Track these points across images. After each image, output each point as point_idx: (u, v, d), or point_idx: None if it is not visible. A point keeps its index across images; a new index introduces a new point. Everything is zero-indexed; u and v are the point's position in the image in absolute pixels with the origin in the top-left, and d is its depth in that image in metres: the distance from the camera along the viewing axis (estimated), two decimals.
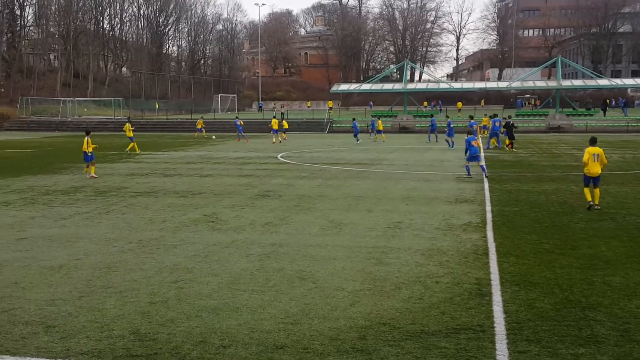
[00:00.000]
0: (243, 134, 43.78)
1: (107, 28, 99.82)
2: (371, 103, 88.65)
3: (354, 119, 46.71)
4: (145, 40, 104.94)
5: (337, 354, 6.19)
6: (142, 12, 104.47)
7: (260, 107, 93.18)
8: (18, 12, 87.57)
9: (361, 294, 8.14)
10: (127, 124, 36.02)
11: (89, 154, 21.29)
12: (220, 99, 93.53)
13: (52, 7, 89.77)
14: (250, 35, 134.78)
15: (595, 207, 14.32)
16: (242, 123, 44.34)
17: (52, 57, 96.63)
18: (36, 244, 11.13)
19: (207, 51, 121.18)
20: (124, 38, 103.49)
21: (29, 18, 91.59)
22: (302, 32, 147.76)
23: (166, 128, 63.13)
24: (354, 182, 20.38)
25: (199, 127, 49.32)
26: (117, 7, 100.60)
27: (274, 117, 44.90)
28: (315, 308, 7.57)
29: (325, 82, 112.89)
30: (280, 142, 41.38)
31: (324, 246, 10.93)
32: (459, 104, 77.56)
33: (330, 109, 78.81)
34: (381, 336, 6.66)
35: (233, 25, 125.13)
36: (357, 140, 42.33)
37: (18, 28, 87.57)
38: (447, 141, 36.27)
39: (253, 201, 16.22)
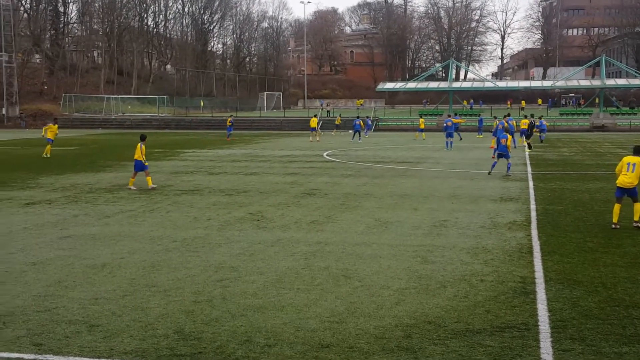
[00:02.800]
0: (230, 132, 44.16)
1: (152, 25, 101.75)
2: (426, 101, 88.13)
3: (358, 116, 47.44)
4: (189, 38, 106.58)
5: (382, 353, 6.18)
6: (186, 9, 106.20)
7: (321, 105, 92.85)
8: (62, 9, 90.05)
9: (406, 293, 8.12)
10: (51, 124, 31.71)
11: (145, 162, 18.31)
12: (265, 97, 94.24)
13: (96, 4, 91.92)
14: (296, 33, 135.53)
15: (634, 224, 12.34)
16: (229, 123, 44.58)
17: (95, 54, 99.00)
18: (79, 242, 11.37)
19: (253, 49, 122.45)
20: (168, 35, 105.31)
21: (72, 15, 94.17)
22: (348, 30, 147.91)
23: (211, 126, 63.87)
24: (400, 180, 20.29)
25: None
26: (162, 4, 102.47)
27: (314, 116, 45.76)
28: (361, 306, 7.55)
29: (371, 81, 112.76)
30: (318, 140, 41.58)
31: (369, 244, 10.91)
32: (509, 103, 76.77)
33: (360, 107, 78.57)
34: (426, 335, 6.66)
35: (278, 23, 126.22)
36: (353, 138, 42.60)
37: (62, 25, 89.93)
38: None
39: (298, 199, 16.26)
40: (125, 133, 55.73)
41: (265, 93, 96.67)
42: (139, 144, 18.27)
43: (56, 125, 31.74)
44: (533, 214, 13.96)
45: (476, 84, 72.07)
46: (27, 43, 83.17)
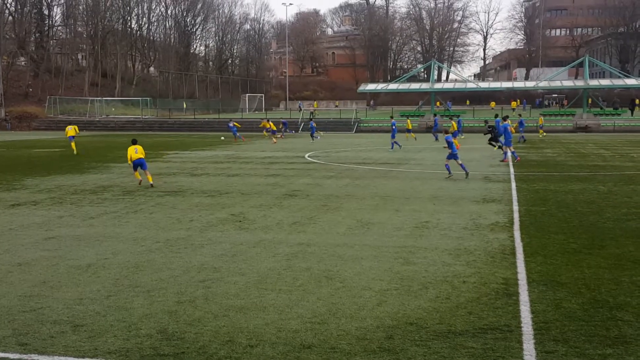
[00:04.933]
0: (238, 134, 45.51)
1: (135, 28, 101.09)
2: (422, 102, 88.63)
3: (311, 119, 48.62)
4: (172, 40, 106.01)
5: (364, 354, 6.18)
6: (169, 11, 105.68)
7: (300, 107, 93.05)
8: (46, 12, 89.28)
9: (388, 294, 8.13)
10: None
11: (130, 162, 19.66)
12: (247, 99, 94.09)
13: (80, 7, 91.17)
14: (278, 35, 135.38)
15: None
16: (236, 124, 46.80)
17: (80, 56, 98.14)
18: (64, 243, 11.30)
19: (235, 51, 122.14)
20: (151, 38, 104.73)
21: (57, 18, 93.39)
22: (330, 31, 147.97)
23: (194, 128, 63.69)
24: (382, 181, 20.34)
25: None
26: (145, 7, 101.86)
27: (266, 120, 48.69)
28: (343, 307, 7.56)
29: (353, 82, 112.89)
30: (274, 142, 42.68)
31: (351, 246, 10.92)
32: (492, 104, 77.13)
33: (313, 110, 78.67)
34: (408, 336, 6.65)
35: (260, 25, 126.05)
36: (312, 139, 43.96)
37: (46, 28, 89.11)
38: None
39: (280, 201, 16.27)
40: (109, 135, 55.34)
41: (247, 95, 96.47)
42: (136, 146, 19.64)
43: (75, 125, 36.78)
44: (516, 215, 13.90)
45: (458, 85, 72.25)
46: (12, 46, 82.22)
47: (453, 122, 40.72)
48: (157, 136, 52.00)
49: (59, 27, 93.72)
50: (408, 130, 45.11)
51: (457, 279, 8.79)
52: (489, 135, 34.44)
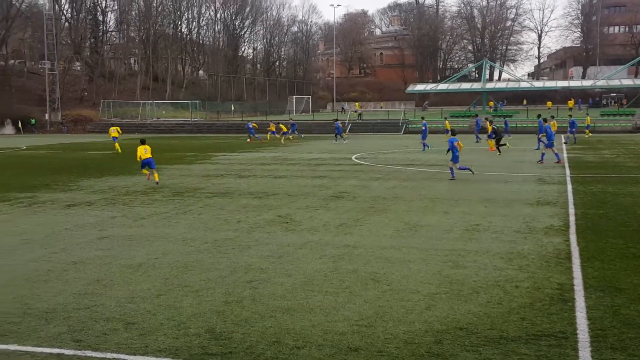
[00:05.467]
0: (256, 135, 48.27)
1: (185, 32, 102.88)
2: (475, 102, 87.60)
3: (336, 120, 48.82)
4: (221, 43, 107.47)
5: (412, 358, 6.12)
6: (219, 15, 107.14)
7: (343, 108, 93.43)
8: (101, 18, 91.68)
9: (437, 298, 8.03)
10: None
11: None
12: (294, 101, 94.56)
13: (133, 13, 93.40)
14: (325, 36, 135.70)
15: None
16: (254, 125, 49.50)
17: (132, 61, 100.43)
18: (117, 242, 11.56)
19: (282, 53, 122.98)
20: (201, 41, 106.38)
21: (110, 24, 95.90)
22: (378, 32, 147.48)
23: (242, 130, 64.29)
24: (430, 183, 20.15)
25: (252, 127, 50.41)
26: (195, 11, 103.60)
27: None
28: (390, 311, 7.51)
29: (401, 82, 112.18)
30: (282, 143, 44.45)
31: (398, 248, 10.85)
32: (549, 104, 75.45)
33: (356, 111, 78.21)
34: (458, 341, 6.54)
35: (308, 27, 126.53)
36: (336, 139, 44.98)
37: (100, 34, 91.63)
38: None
39: (327, 202, 16.28)
40: (159, 137, 56.39)
41: (294, 96, 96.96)
42: (145, 146, 21.04)
43: (118, 127, 39.97)
44: (572, 218, 13.51)
45: (511, 85, 70.94)
46: (69, 51, 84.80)
47: (488, 124, 40.39)
48: (205, 138, 52.74)
49: (113, 33, 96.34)
50: (447, 131, 44.87)
51: (509, 284, 8.61)
52: (496, 138, 33.79)
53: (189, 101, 76.88)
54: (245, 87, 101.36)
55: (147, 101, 76.59)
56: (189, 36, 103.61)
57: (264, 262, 9.91)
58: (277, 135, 48.77)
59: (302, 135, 52.18)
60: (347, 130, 59.98)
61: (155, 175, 20.71)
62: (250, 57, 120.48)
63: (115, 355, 6.24)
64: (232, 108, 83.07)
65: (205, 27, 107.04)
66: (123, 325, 7.09)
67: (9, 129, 68.78)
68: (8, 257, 10.39)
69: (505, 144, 33.74)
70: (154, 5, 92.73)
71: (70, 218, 14.23)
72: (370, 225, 13.08)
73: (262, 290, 8.38)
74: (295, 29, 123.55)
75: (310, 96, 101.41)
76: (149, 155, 20.92)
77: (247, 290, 8.39)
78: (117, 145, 36.53)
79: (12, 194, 18.33)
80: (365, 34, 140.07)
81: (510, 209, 14.94)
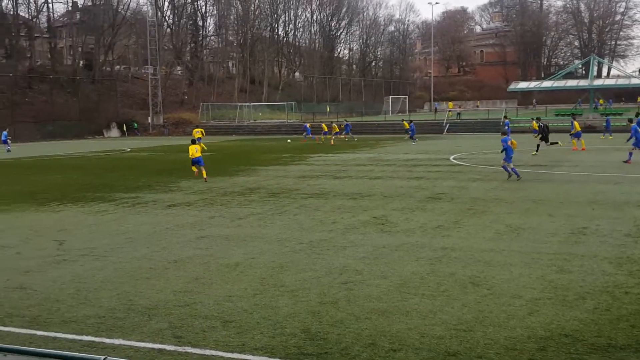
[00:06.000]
0: (311, 135, 50.80)
1: (282, 34, 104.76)
2: (580, 101, 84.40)
3: (411, 121, 48.82)
4: (317, 45, 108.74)
5: None
6: (315, 17, 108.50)
7: (436, 107, 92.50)
8: (200, 23, 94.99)
9: (540, 303, 7.75)
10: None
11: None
12: (391, 101, 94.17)
13: (231, 17, 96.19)
14: (423, 35, 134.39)
15: None
16: (310, 126, 52.54)
17: (230, 64, 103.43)
18: (215, 242, 11.91)
19: (379, 53, 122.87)
20: (297, 43, 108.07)
21: (210, 28, 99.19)
22: (478, 29, 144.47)
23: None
24: (533, 184, 19.50)
25: (325, 130, 51.84)
26: (292, 14, 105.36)
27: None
28: (490, 315, 7.32)
29: (502, 80, 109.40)
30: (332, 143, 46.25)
31: (499, 251, 10.56)
32: None
33: (450, 110, 76.39)
34: (563, 348, 6.30)
35: (405, 26, 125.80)
36: (414, 141, 45.04)
37: (200, 38, 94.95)
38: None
39: (424, 204, 16.10)
40: (256, 139, 57.67)
41: (390, 97, 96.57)
42: (196, 146, 23.09)
43: (201, 128, 43.32)
44: None
45: (621, 81, 67.61)
46: (170, 56, 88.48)
47: (576, 123, 38.85)
48: (301, 139, 53.39)
49: (212, 37, 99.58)
50: (534, 131, 43.70)
51: (618, 290, 8.20)
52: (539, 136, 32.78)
53: (285, 103, 78.18)
54: (340, 88, 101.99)
55: (244, 103, 78.59)
56: (285, 38, 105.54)
57: (359, 264, 9.92)
58: (328, 136, 50.01)
59: (356, 138, 52.42)
60: (446, 130, 59.05)
61: (204, 172, 22.56)
62: (346, 57, 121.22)
63: (213, 352, 6.43)
64: (328, 109, 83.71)
65: (301, 29, 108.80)
66: (221, 323, 7.29)
67: (114, 132, 72.51)
68: (114, 255, 10.94)
69: (557, 142, 33.03)
70: (252, 9, 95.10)
71: (171, 218, 14.80)
72: (469, 227, 12.80)
73: (358, 292, 8.38)
74: (392, 28, 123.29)
75: (406, 96, 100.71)
76: (198, 155, 23.01)
77: (343, 292, 8.42)
78: (202, 144, 38.27)
79: (117, 194, 19.30)
80: (465, 32, 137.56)
81: (620, 211, 14.22)
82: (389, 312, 7.51)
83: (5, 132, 46.85)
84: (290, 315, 7.49)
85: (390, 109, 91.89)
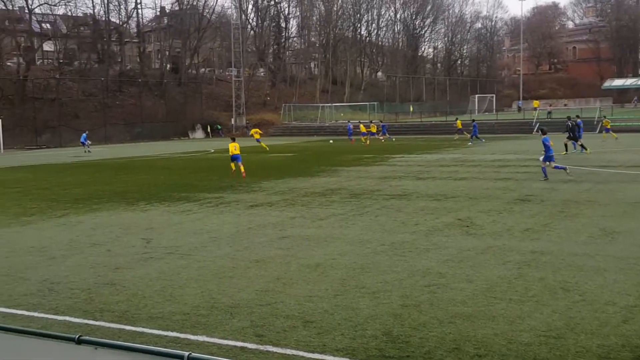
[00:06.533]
0: (351, 137, 51.48)
1: (364, 34, 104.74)
2: (637, 98, 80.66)
3: (473, 120, 48.05)
4: (400, 44, 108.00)
5: None
6: (398, 16, 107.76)
7: (519, 106, 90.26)
8: (283, 25, 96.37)
9: (636, 310, 7.40)
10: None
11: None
12: (477, 100, 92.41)
13: (314, 18, 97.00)
14: (512, 31, 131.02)
15: None
16: (371, 129, 52.23)
17: (312, 65, 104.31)
18: (296, 242, 12.03)
19: (464, 51, 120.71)
20: (380, 43, 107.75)
21: (292, 30, 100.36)
22: (570, 25, 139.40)
23: (420, 131, 64.10)
24: (630, 186, 18.63)
25: (459, 127, 51.21)
26: (375, 13, 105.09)
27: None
28: (582, 322, 7.05)
29: (596, 78, 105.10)
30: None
31: (592, 256, 10.15)
32: None
33: (535, 109, 73.70)
34: None
35: (493, 23, 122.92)
36: (473, 140, 44.25)
37: (283, 40, 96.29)
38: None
39: (511, 206, 15.69)
40: (337, 140, 57.85)
41: (476, 96, 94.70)
42: (235, 144, 25.09)
43: (256, 129, 47.43)
44: None
45: None
46: (253, 58, 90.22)
47: (606, 121, 37.30)
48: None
49: (294, 38, 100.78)
50: (606, 130, 42.36)
51: None
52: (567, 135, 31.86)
53: (367, 103, 78.13)
54: (424, 87, 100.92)
55: (325, 104, 79.07)
56: (368, 38, 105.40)
57: (442, 267, 9.78)
58: (364, 137, 50.41)
59: (394, 139, 52.15)
60: (535, 130, 57.33)
61: (242, 168, 24.53)
62: (430, 56, 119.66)
63: (294, 352, 6.49)
64: (411, 109, 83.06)
65: (384, 28, 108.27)
66: (302, 323, 7.35)
67: (199, 133, 74.58)
68: (198, 253, 11.24)
69: (586, 149, 31.50)
70: (335, 9, 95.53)
71: (253, 218, 15.07)
72: (560, 230, 12.38)
73: (441, 295, 8.26)
74: (478, 25, 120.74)
75: (494, 95, 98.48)
76: (237, 152, 24.99)
77: (425, 295, 8.32)
78: (262, 144, 43.42)
79: (201, 194, 19.83)
80: (556, 28, 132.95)
81: None
82: (474, 317, 7.35)
83: (84, 135, 49.45)
84: (372, 317, 7.47)
85: (477, 108, 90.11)
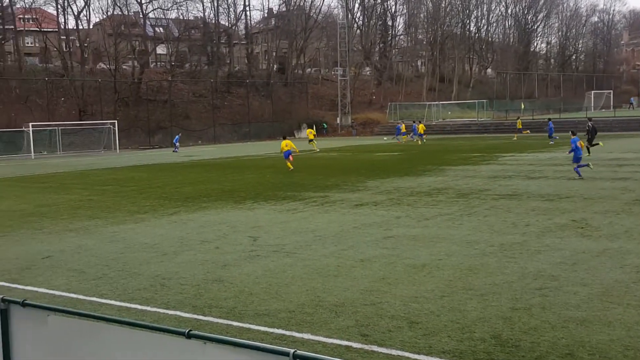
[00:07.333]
0: (398, 137, 52.06)
1: (473, 30, 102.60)
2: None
3: (549, 119, 46.40)
4: (511, 40, 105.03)
5: None
6: (509, 11, 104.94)
7: (631, 103, 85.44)
8: (390, 23, 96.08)
9: None
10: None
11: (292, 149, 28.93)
12: (593, 96, 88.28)
13: (421, 15, 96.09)
14: (631, 25, 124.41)
15: None
16: (404, 127, 53.72)
17: (419, 63, 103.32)
18: (401, 242, 11.97)
19: (580, 46, 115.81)
20: (490, 39, 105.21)
21: (399, 27, 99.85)
22: None
23: (532, 129, 61.94)
24: None
25: (519, 127, 50.97)
26: (484, 9, 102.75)
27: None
28: None
29: None
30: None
31: None
32: None
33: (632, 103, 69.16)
34: None
35: (610, 16, 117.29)
36: (551, 140, 42.23)
37: (389, 38, 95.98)
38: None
39: (630, 207, 14.90)
40: (444, 138, 57.03)
41: (592, 92, 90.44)
42: (286, 141, 29.26)
43: (310, 129, 50.31)
44: None
45: None
46: (359, 57, 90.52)
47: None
48: (492, 138, 51.98)
49: (401, 36, 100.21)
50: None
51: None
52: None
53: (476, 101, 76.48)
54: (537, 84, 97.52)
55: (432, 102, 78.11)
56: (477, 34, 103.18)
57: (555, 269, 9.43)
58: (403, 137, 51.10)
59: (425, 139, 51.12)
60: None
61: (291, 161, 28.30)
62: (543, 52, 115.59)
63: (400, 353, 6.47)
64: (522, 106, 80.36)
65: (494, 24, 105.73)
66: (407, 323, 7.32)
67: (304, 133, 75.66)
68: (303, 252, 11.43)
69: (598, 143, 30.56)
70: (443, 6, 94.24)
71: (358, 217, 15.12)
72: None
73: (553, 299, 7.98)
74: (595, 19, 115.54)
75: (611, 91, 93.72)
76: (287, 149, 28.65)
77: (537, 298, 8.07)
78: (313, 144, 45.65)
79: (306, 193, 20.13)
80: None
81: None
82: (588, 322, 7.06)
83: (177, 137, 52.40)
84: (480, 320, 7.32)
85: (592, 104, 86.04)
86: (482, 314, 7.54)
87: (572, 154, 22.07)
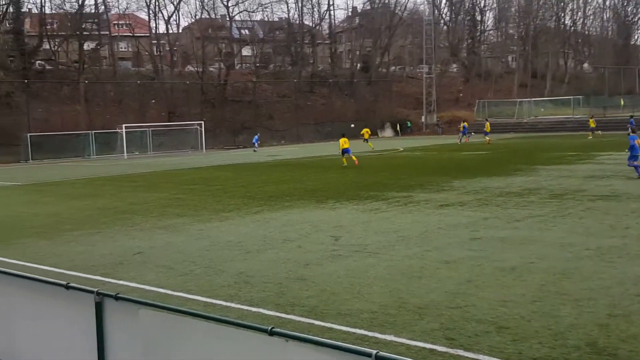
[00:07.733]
0: (461, 136, 51.46)
1: (569, 24, 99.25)
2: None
3: (632, 116, 45.04)
4: (610, 33, 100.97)
5: None
6: (608, 2, 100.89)
7: None
8: (479, 18, 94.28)
9: None
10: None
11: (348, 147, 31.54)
12: None
13: (512, 9, 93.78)
14: None
15: None
16: (467, 124, 53.55)
17: (509, 58, 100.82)
18: (489, 244, 11.67)
19: None
20: (586, 32, 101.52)
21: (488, 22, 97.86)
22: None
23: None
24: None
25: (592, 126, 49.48)
26: (580, 1, 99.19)
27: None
28: None
29: None
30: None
31: None
32: None
33: None
34: None
35: None
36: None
37: (478, 34, 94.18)
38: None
39: None
40: (537, 137, 55.42)
41: None
42: (344, 139, 31.66)
43: (366, 129, 51.70)
44: None
45: None
46: (445, 54, 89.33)
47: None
48: (587, 136, 50.00)
49: (490, 32, 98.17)
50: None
51: None
52: None
53: (571, 97, 73.88)
54: (637, 80, 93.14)
55: (524, 99, 76.04)
56: (572, 27, 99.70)
57: None
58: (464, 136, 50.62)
59: (471, 135, 51.69)
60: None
61: (353, 157, 30.98)
62: None
63: (487, 358, 6.30)
64: (622, 103, 77.02)
65: (591, 17, 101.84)
66: (495, 328, 7.12)
67: (388, 132, 75.37)
68: (386, 252, 11.33)
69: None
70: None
71: (443, 218, 14.87)
72: None
73: None
74: None
75: None
76: (347, 146, 31.12)
77: (636, 304, 7.67)
78: (370, 143, 47.40)
79: (390, 193, 19.98)
80: None
81: None
82: None
83: (256, 137, 54.83)
84: (574, 326, 7.03)
85: None
86: (577, 320, 7.24)
87: (629, 151, 21.72)
